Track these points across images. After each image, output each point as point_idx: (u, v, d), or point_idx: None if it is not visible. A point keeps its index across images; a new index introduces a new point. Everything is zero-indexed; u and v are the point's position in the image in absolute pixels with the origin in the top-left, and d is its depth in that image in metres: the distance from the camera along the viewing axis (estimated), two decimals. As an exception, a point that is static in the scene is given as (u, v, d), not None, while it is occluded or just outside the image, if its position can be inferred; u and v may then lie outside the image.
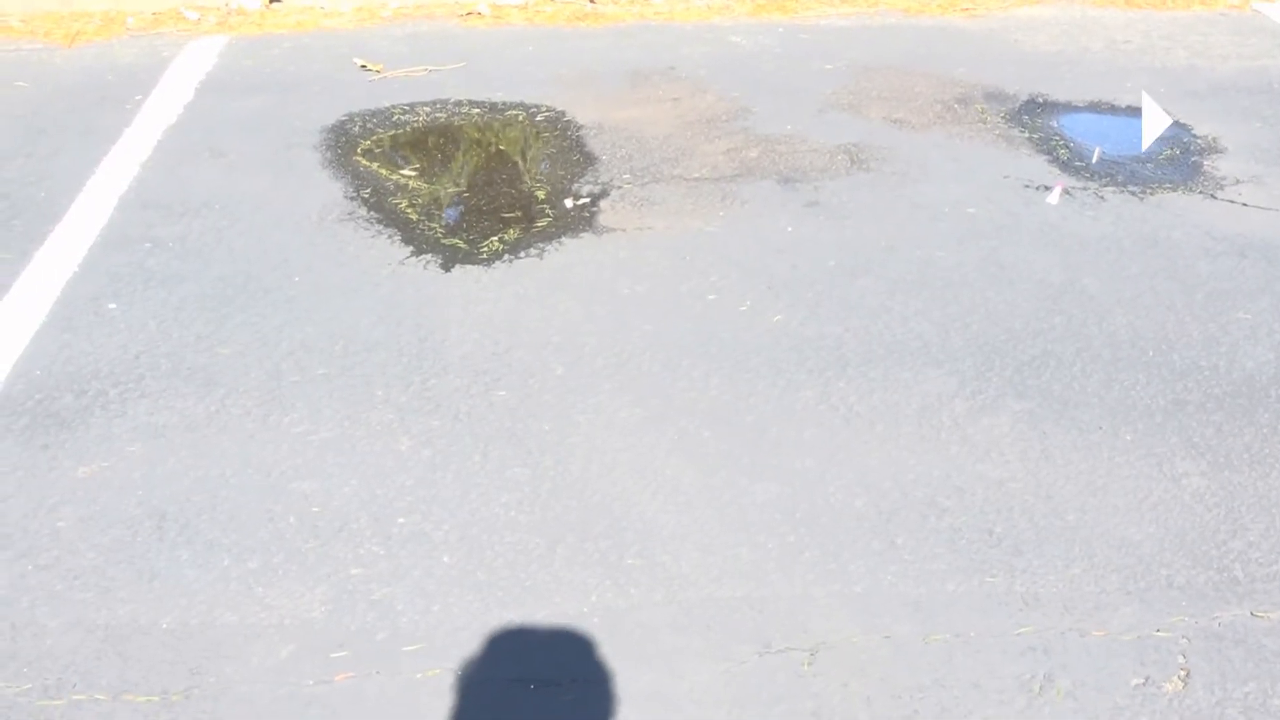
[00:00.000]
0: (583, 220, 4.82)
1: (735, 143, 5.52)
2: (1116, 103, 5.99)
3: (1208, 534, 3.26)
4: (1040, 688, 2.79)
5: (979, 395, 3.80)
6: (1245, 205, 4.99)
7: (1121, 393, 3.82)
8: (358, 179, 5.14)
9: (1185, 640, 2.93)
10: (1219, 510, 3.34)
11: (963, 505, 3.35)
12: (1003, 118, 5.79)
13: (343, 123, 5.71)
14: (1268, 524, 3.28)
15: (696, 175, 5.21)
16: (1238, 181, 5.18)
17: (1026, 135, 5.61)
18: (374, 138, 5.58)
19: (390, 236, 4.69)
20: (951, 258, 4.58)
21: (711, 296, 4.33)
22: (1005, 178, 5.22)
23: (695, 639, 2.92)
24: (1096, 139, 5.62)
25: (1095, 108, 5.95)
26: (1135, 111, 5.90)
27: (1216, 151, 5.46)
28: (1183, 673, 2.83)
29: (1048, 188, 5.11)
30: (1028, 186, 5.13)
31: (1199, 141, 5.57)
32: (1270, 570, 3.13)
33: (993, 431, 3.64)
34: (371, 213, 4.86)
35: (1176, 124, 5.75)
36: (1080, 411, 3.73)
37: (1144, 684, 2.80)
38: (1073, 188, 5.12)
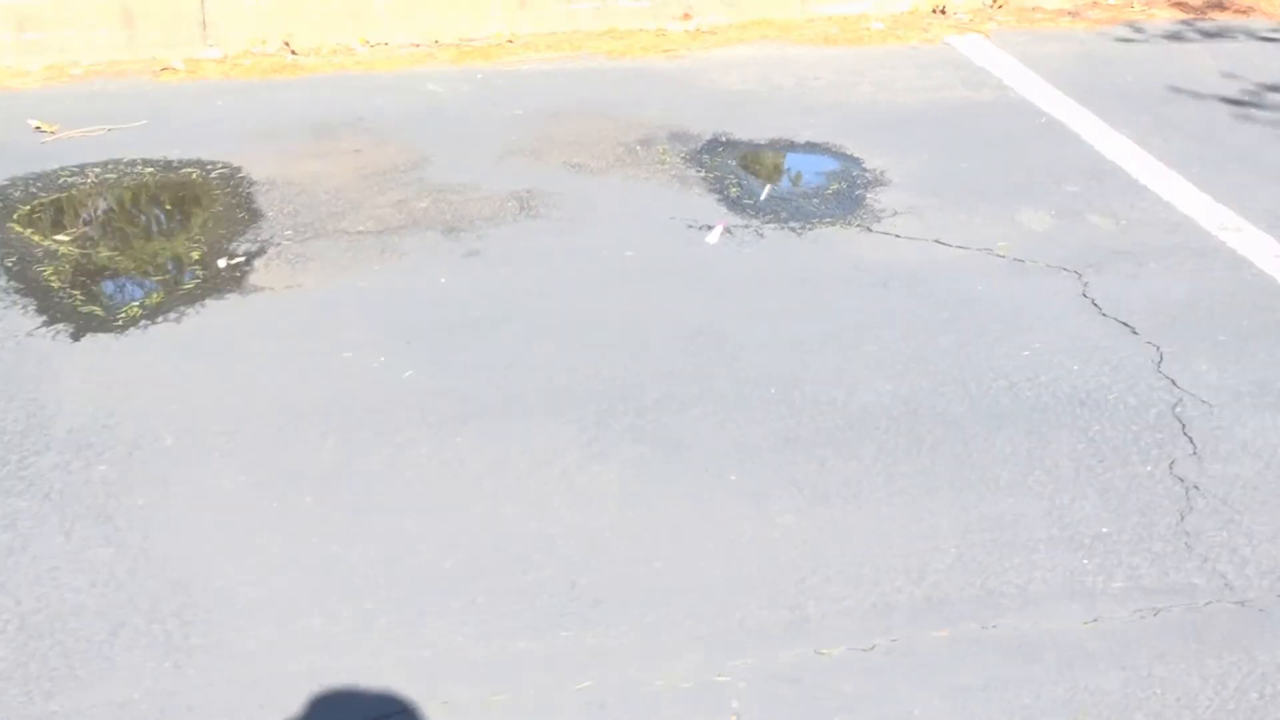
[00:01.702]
0: (232, 280, 4.71)
1: (407, 194, 5.46)
2: (796, 139, 6.10)
3: (789, 572, 3.28)
4: (586, 744, 2.76)
5: (594, 443, 3.79)
6: (898, 237, 5.11)
7: (736, 432, 3.84)
8: (5, 247, 4.94)
9: (743, 683, 2.93)
10: (805, 547, 3.37)
11: (552, 559, 3.32)
12: (683, 158, 5.85)
13: (3, 188, 5.49)
14: (848, 558, 3.32)
15: (360, 229, 5.13)
16: (896, 213, 5.30)
17: (702, 175, 5.66)
18: (34, 202, 5.39)
19: (25, 307, 4.51)
20: (598, 302, 4.58)
21: (348, 354, 4.26)
22: (671, 219, 5.25)
23: (245, 718, 2.82)
24: (769, 176, 5.71)
25: (774, 145, 6.05)
26: (813, 147, 6.02)
27: (881, 184, 5.58)
28: (733, 718, 2.83)
29: (710, 227, 5.15)
30: (691, 227, 5.18)
31: (867, 175, 5.68)
32: (841, 605, 3.16)
33: (599, 480, 3.63)
34: (11, 282, 4.68)
35: (848, 158, 5.87)
36: (691, 454, 3.74)
37: (690, 732, 2.79)
38: (735, 226, 5.17)
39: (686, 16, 7.63)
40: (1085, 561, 3.32)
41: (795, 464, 3.72)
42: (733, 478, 3.65)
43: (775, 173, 5.80)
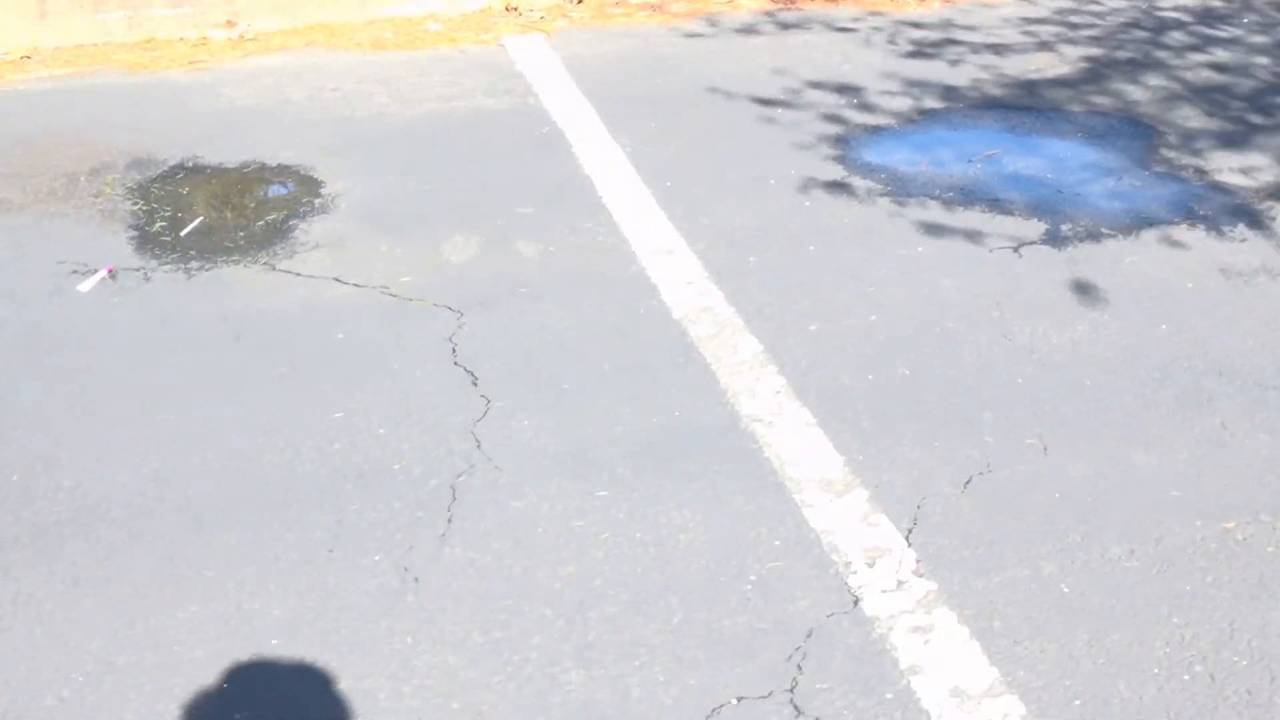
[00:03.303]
0: None
1: None
2: (269, 162, 5.60)
3: None
4: None
5: None
6: (298, 275, 4.64)
7: (-65, 534, 3.31)
8: None
9: None
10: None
11: None
12: (128, 189, 5.32)
13: None
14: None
15: None
16: (316, 246, 4.83)
17: (137, 208, 5.15)
18: None
19: None
20: (-110, 374, 4.01)
21: None
22: (60, 264, 4.72)
23: None
24: (212, 206, 5.23)
25: (241, 169, 5.54)
26: (281, 171, 5.56)
27: (325, 212, 5.11)
28: None
29: (95, 271, 4.61)
30: (77, 272, 4.66)
31: (317, 201, 5.21)
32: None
33: None
34: None
35: (310, 181, 5.36)
36: None
37: None
38: (129, 269, 4.67)
39: (230, 24, 7.08)
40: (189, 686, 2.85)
41: (-28, 572, 3.19)
42: (-111, 595, 3.12)
43: (221, 202, 5.29)
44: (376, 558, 3.27)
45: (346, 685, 2.90)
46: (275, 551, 3.31)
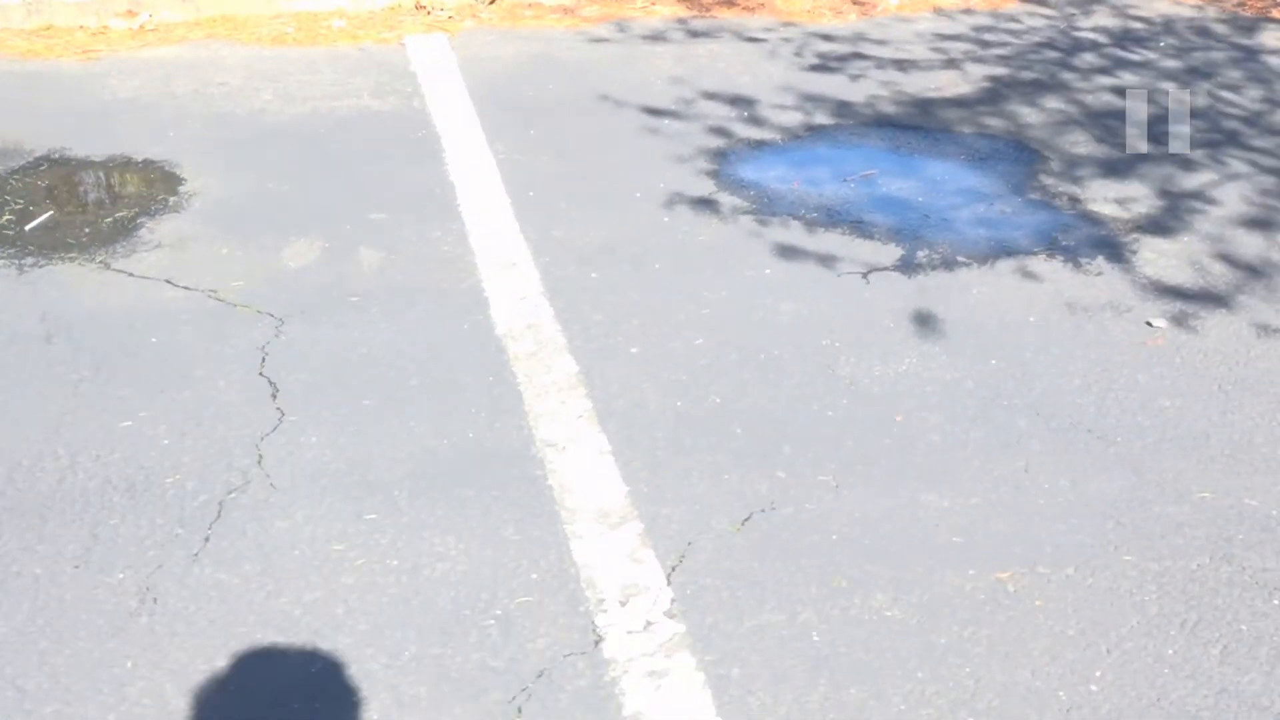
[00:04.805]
0: None
1: None
2: (135, 157, 5.53)
3: None
4: None
5: None
6: (131, 275, 4.59)
7: None
8: None
9: None
10: None
11: None
12: (-16, 179, 5.20)
13: None
14: None
15: None
16: (158, 246, 4.82)
17: (-16, 200, 5.03)
18: None
19: None
20: None
21: None
22: (-107, 255, 4.61)
23: None
24: (68, 201, 5.16)
25: (106, 163, 5.51)
26: (147, 166, 5.45)
27: (177, 211, 5.06)
28: None
29: (-77, 266, 4.52)
30: (-96, 265, 4.54)
31: (172, 199, 5.18)
32: None
33: None
34: None
35: (172, 178, 5.26)
36: None
37: None
38: (-40, 263, 4.54)
39: (131, 13, 6.98)
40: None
41: None
42: None
43: (75, 197, 5.21)
44: (120, 575, 3.18)
45: (52, 710, 2.79)
46: (21, 565, 3.22)
